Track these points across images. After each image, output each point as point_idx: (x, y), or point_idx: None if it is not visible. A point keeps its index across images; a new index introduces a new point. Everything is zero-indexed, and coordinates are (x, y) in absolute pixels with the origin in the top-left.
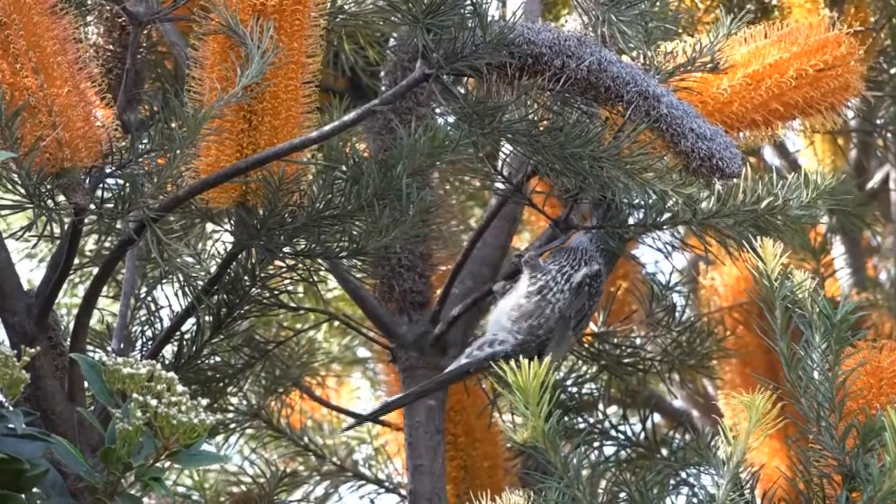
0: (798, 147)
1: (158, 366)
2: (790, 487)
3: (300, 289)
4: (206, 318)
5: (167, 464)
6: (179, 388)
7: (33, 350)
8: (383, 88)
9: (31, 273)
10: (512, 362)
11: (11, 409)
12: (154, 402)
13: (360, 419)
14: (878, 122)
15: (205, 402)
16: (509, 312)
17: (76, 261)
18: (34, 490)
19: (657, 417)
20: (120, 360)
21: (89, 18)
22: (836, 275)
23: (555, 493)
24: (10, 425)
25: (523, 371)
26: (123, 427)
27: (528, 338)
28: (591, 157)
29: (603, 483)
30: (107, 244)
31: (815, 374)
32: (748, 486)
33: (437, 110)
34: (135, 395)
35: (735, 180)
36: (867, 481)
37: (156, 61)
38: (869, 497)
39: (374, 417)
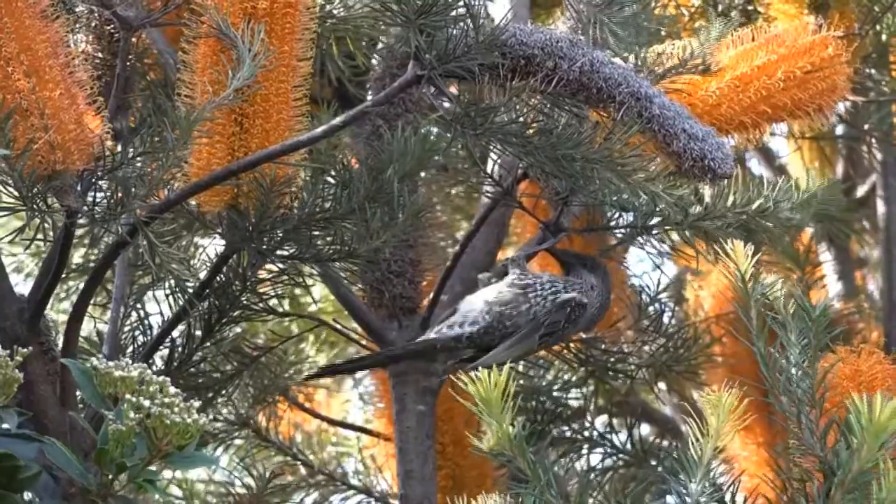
0: (783, 155)
1: (149, 370)
2: (775, 494)
3: (287, 300)
4: (197, 323)
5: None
6: (172, 389)
7: (27, 350)
8: (370, 96)
9: (17, 288)
10: (472, 373)
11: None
12: (147, 404)
13: (321, 373)
14: (865, 127)
15: (198, 403)
16: (486, 296)
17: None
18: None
19: (645, 427)
20: (111, 363)
21: (77, 26)
22: (822, 282)
23: (530, 500)
24: (5, 425)
25: (483, 380)
26: (116, 428)
27: (495, 324)
28: (583, 159)
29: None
30: (93, 257)
31: (793, 371)
32: (729, 490)
33: (426, 117)
34: (128, 397)
35: (726, 181)
36: (837, 466)
37: (143, 71)
38: (839, 480)
39: (335, 373)
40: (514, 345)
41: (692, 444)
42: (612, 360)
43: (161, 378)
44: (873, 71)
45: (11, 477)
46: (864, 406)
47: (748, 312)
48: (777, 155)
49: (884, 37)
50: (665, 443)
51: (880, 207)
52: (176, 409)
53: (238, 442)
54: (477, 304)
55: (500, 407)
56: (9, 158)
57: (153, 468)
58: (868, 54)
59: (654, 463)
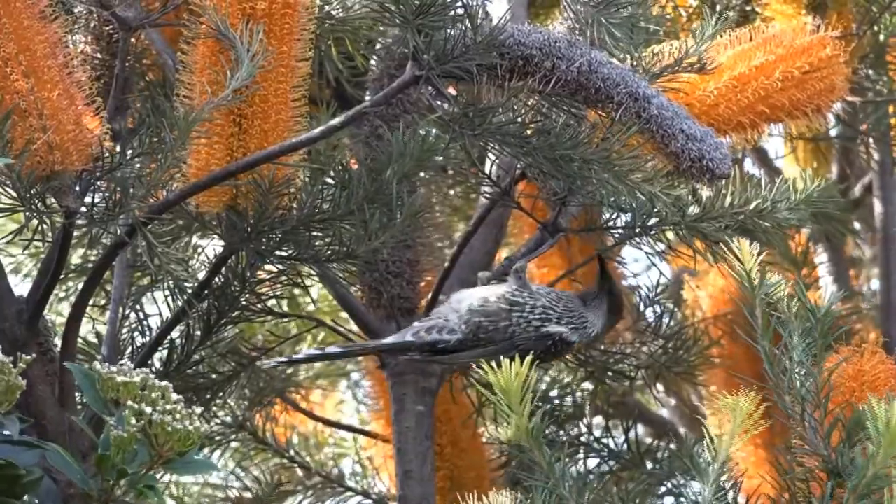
0: (779, 155)
1: (151, 375)
2: (776, 493)
3: (286, 301)
4: (196, 324)
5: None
6: (174, 396)
7: (30, 357)
8: (368, 97)
9: (16, 288)
10: (493, 362)
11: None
12: (149, 410)
13: (287, 361)
14: (861, 128)
15: (199, 410)
16: (473, 301)
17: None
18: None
19: (641, 428)
20: (114, 368)
21: (76, 26)
22: (819, 283)
23: (541, 494)
24: (6, 432)
25: (504, 371)
26: (117, 434)
27: (471, 336)
28: (580, 160)
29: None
30: (93, 257)
31: (797, 370)
32: (732, 491)
33: (423, 118)
34: (129, 403)
35: (725, 181)
36: (851, 472)
37: (142, 71)
38: (853, 486)
39: (300, 362)
40: (478, 356)
41: (706, 447)
42: (612, 361)
43: (163, 384)
44: (871, 71)
45: (13, 483)
46: (882, 411)
47: (753, 311)
48: (777, 155)
49: (881, 37)
50: (662, 445)
51: (877, 207)
52: (177, 416)
53: (234, 445)
54: (461, 307)
55: (520, 398)
56: (9, 165)
57: (154, 474)
58: (866, 54)
59: (651, 465)
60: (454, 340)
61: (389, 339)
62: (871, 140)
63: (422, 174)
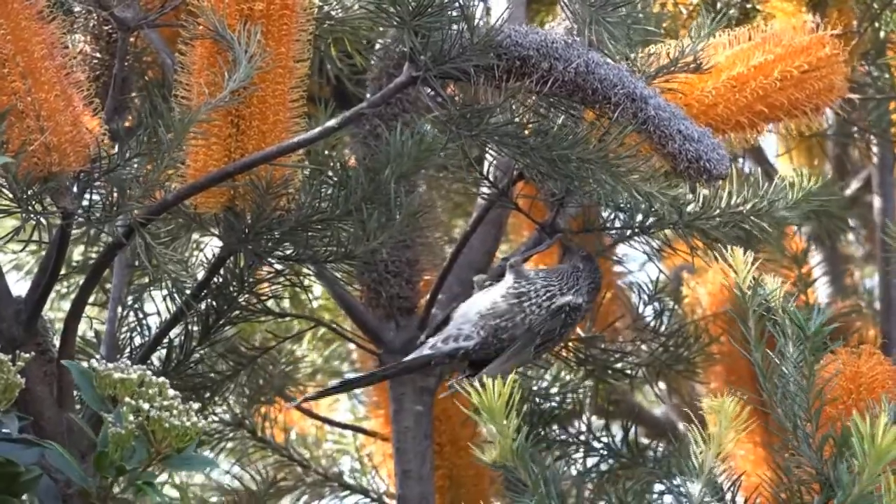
0: (777, 154)
1: (148, 371)
2: (773, 496)
3: (286, 301)
4: (195, 324)
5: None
6: (171, 392)
7: (28, 355)
8: (367, 96)
9: (16, 285)
10: (476, 382)
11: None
12: (146, 406)
13: (313, 396)
14: (860, 124)
15: (196, 405)
16: (480, 307)
17: (62, 271)
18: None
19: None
20: (111, 365)
21: (74, 26)
22: (815, 283)
23: None
24: (5, 430)
25: (488, 391)
26: (116, 431)
27: (491, 339)
28: (578, 160)
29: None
30: (93, 255)
31: (791, 385)
32: (729, 491)
33: (421, 117)
34: (127, 400)
35: (722, 182)
36: (838, 487)
37: (142, 70)
38: (840, 502)
39: (328, 394)
40: (510, 358)
41: (694, 449)
42: (612, 359)
43: (160, 380)
44: (873, 68)
45: (12, 481)
46: (867, 428)
47: (746, 322)
48: (775, 154)
49: (882, 34)
50: (660, 444)
51: (876, 203)
52: (175, 412)
53: (234, 443)
54: (471, 317)
55: (504, 417)
56: (8, 167)
57: (152, 471)
58: (867, 51)
59: (648, 464)
60: (473, 344)
61: (408, 358)
62: (871, 137)
63: (423, 173)
